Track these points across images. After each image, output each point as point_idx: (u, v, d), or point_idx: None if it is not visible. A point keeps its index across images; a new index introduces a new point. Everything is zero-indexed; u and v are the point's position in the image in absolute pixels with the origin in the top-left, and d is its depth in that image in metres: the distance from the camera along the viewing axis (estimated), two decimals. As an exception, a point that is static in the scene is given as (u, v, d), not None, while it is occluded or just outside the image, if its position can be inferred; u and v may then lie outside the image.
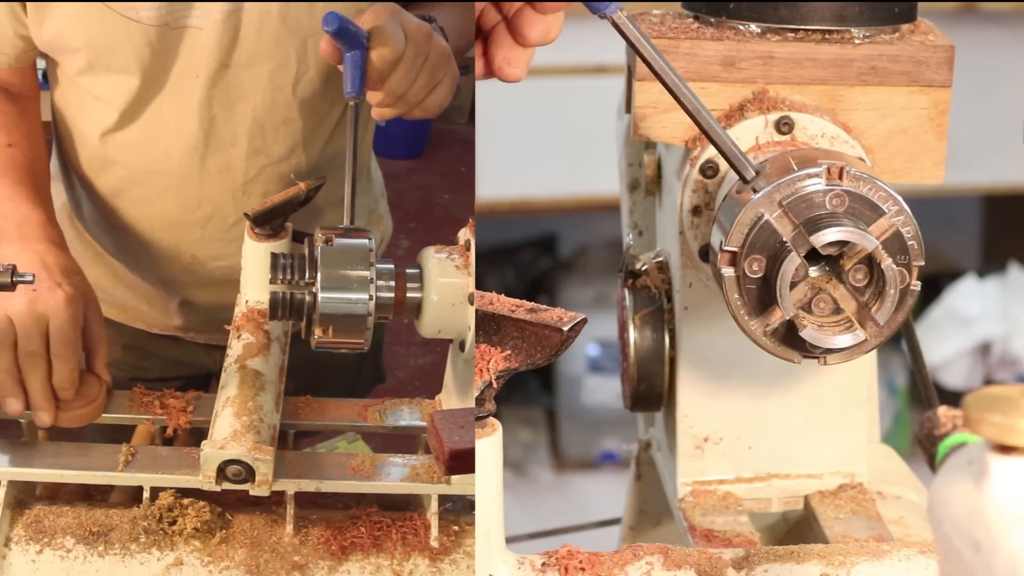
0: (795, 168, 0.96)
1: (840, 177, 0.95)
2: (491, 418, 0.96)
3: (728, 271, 0.96)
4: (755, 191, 0.95)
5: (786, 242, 0.94)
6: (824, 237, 0.93)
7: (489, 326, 0.96)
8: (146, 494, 1.22)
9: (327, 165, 1.53)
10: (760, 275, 0.96)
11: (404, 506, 1.29)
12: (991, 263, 3.87)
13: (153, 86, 1.40)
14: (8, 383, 1.21)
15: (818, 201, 0.95)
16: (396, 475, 1.26)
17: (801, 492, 1.24)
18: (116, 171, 1.47)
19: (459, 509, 1.29)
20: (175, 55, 1.37)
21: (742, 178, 0.96)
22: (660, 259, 1.23)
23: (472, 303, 1.15)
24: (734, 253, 0.96)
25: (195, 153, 1.44)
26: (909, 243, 0.95)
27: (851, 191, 0.94)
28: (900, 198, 0.96)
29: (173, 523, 1.21)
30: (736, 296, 0.97)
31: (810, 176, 0.95)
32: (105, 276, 1.60)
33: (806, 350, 0.97)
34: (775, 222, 0.94)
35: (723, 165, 1.08)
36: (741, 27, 1.10)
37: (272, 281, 1.17)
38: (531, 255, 3.95)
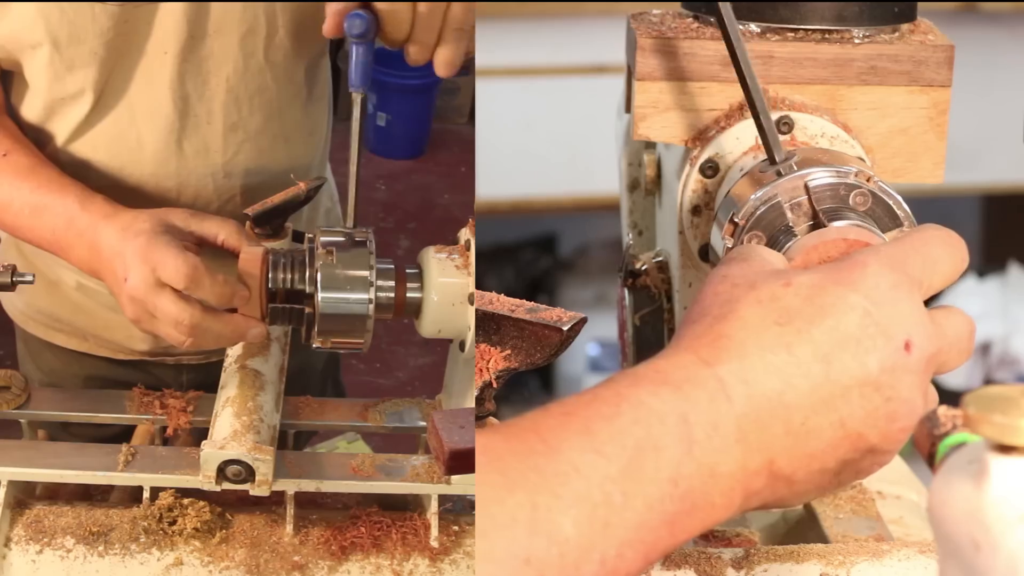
0: (825, 162, 0.97)
1: (867, 182, 0.96)
2: (491, 418, 0.96)
3: (727, 241, 0.97)
4: (779, 174, 0.96)
5: (791, 226, 0.95)
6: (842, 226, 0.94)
7: (489, 326, 0.96)
8: (146, 494, 1.23)
9: (306, 150, 1.51)
10: None
11: (404, 506, 1.29)
12: (991, 263, 3.87)
13: (121, 71, 1.35)
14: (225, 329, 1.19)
15: (842, 195, 0.95)
16: (396, 475, 1.26)
17: (801, 492, 1.24)
18: (86, 174, 1.39)
19: (459, 509, 1.29)
20: (142, 34, 1.33)
21: (771, 159, 0.97)
22: (660, 259, 1.23)
23: (472, 303, 1.15)
24: (740, 226, 0.97)
25: (171, 136, 1.39)
26: None
27: (875, 193, 0.95)
28: (914, 221, 0.96)
29: (173, 523, 1.21)
30: None
31: (839, 173, 0.96)
32: (61, 306, 1.55)
33: None
34: (794, 206, 0.95)
35: (723, 165, 1.08)
36: (741, 27, 1.10)
37: (272, 281, 1.17)
38: (531, 255, 3.95)
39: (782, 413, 0.78)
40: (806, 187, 0.95)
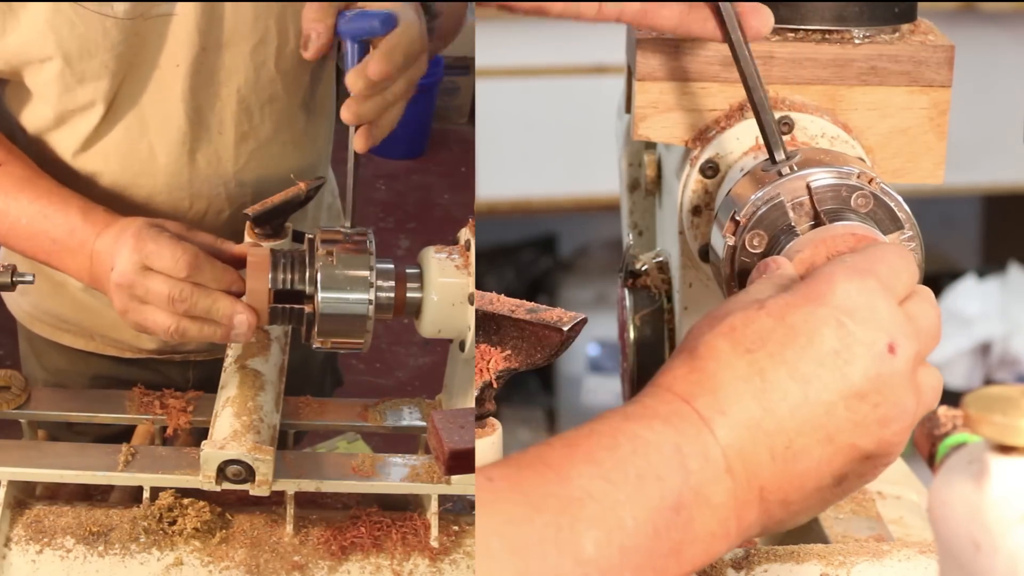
0: (827, 163, 0.97)
1: (869, 184, 0.96)
2: (491, 418, 0.96)
3: (729, 239, 0.97)
4: (780, 174, 0.96)
5: (793, 226, 0.95)
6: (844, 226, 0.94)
7: (489, 326, 0.96)
8: (146, 494, 1.23)
9: (312, 154, 1.51)
10: (759, 251, 0.96)
11: (404, 506, 1.29)
12: (991, 263, 3.87)
13: (132, 84, 1.35)
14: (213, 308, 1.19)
15: (844, 196, 0.96)
16: (396, 475, 1.26)
17: (801, 492, 1.24)
18: (96, 186, 1.40)
19: (459, 509, 1.29)
20: (154, 47, 1.33)
21: (772, 159, 0.97)
22: (660, 259, 1.23)
23: (472, 303, 1.15)
24: (741, 225, 0.97)
25: (183, 148, 1.39)
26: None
27: (877, 195, 0.95)
28: (916, 223, 0.96)
29: (173, 523, 1.21)
30: (728, 269, 0.97)
31: (841, 174, 0.96)
32: (68, 306, 1.55)
33: None
34: (796, 206, 0.95)
35: (723, 165, 1.08)
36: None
37: (272, 282, 1.17)
38: (531, 255, 3.95)
39: (764, 440, 0.78)
40: (808, 187, 0.95)
